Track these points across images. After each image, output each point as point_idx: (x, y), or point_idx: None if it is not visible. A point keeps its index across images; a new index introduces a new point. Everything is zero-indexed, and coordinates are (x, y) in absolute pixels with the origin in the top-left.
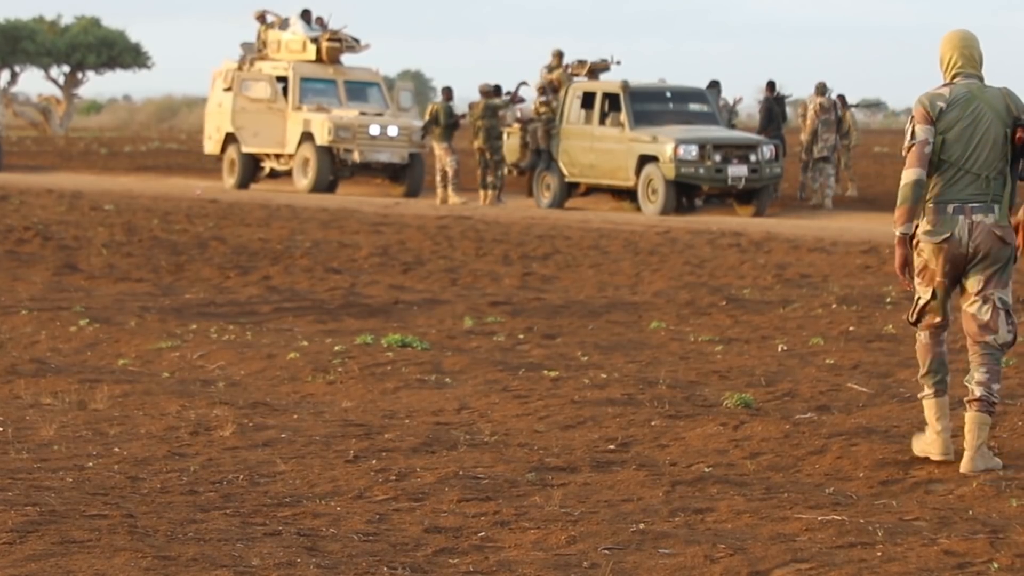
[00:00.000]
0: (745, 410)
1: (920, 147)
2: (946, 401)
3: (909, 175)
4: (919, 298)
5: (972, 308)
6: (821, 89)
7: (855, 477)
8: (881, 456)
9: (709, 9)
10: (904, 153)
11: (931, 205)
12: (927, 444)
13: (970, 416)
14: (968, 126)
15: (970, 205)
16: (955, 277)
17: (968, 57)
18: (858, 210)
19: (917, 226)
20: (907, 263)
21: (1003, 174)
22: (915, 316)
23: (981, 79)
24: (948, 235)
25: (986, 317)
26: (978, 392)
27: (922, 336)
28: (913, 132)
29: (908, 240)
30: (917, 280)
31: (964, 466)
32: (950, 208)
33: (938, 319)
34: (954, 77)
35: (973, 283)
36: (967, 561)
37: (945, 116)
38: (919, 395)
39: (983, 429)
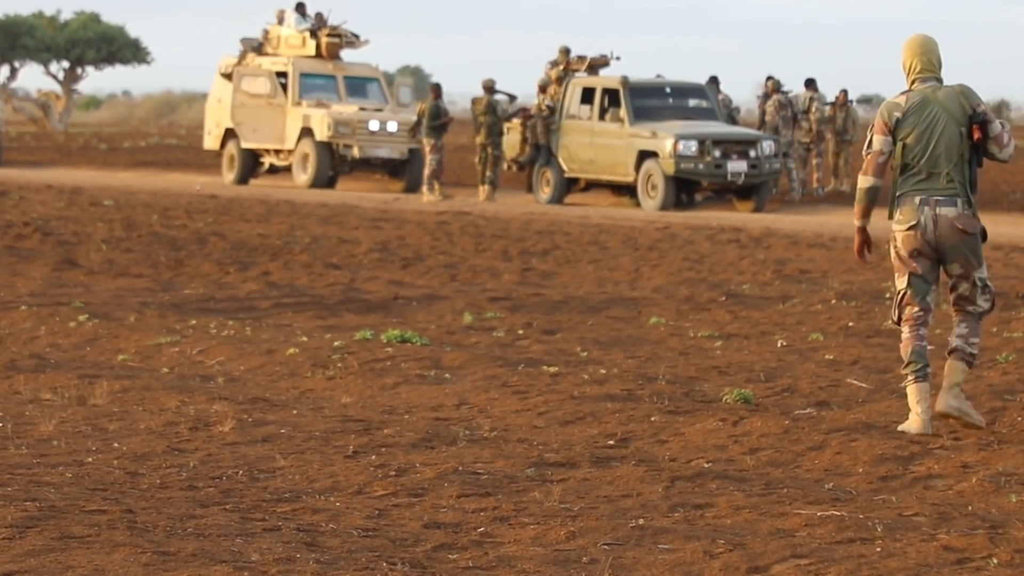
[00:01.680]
0: (744, 406)
1: (875, 156)
2: (927, 387)
3: (864, 181)
4: (898, 291)
5: (955, 288)
6: (777, 86)
7: (854, 473)
8: (880, 452)
9: (708, 6)
10: (864, 156)
11: (901, 199)
12: (909, 423)
13: (948, 363)
14: (925, 130)
15: (935, 198)
16: (927, 262)
17: (927, 62)
18: None
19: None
20: (864, 245)
21: (962, 169)
22: (896, 314)
23: (939, 80)
24: (915, 223)
25: (967, 294)
26: (955, 343)
27: (904, 332)
28: (871, 141)
29: (864, 230)
30: (896, 275)
31: (938, 404)
32: (917, 199)
33: (917, 309)
34: (913, 82)
35: (952, 269)
36: (966, 557)
37: (903, 124)
38: (902, 384)
39: (956, 373)
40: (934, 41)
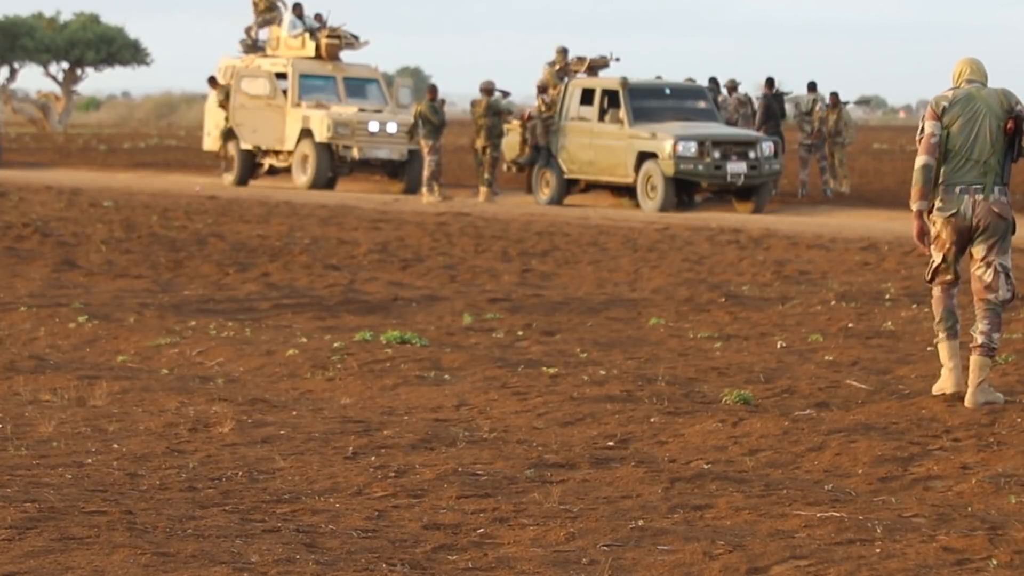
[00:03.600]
0: (744, 407)
1: (928, 139)
2: (956, 344)
3: (920, 161)
4: (933, 261)
5: (978, 272)
6: (733, 85)
7: (854, 474)
8: (880, 453)
9: (707, 8)
10: (917, 143)
11: (943, 187)
12: (942, 383)
13: (973, 359)
14: (968, 121)
15: (974, 187)
16: (962, 245)
17: (974, 70)
18: (857, 207)
19: (933, 204)
20: (924, 233)
21: (999, 159)
22: (930, 276)
23: (983, 84)
24: (955, 211)
25: (989, 279)
26: (980, 340)
27: (936, 291)
28: (923, 127)
29: (922, 214)
30: (932, 246)
31: (968, 400)
32: (957, 189)
33: (949, 277)
34: (960, 84)
35: (978, 251)
36: (966, 558)
37: (948, 113)
38: (934, 340)
39: (984, 369)
40: (981, 62)
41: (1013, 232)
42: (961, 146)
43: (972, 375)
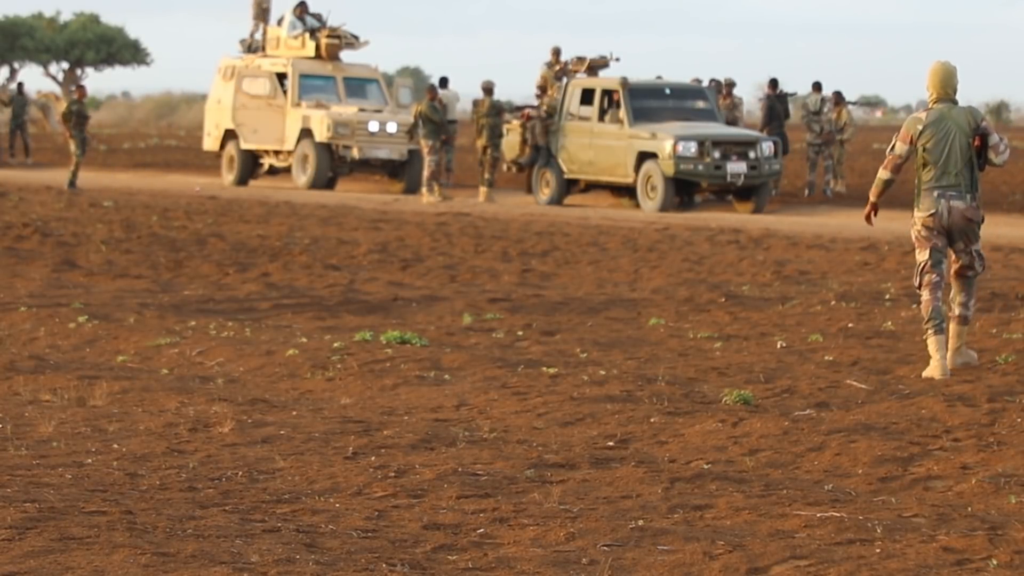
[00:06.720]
0: (744, 407)
1: (895, 158)
2: (944, 339)
3: (883, 175)
4: (920, 263)
5: (960, 258)
6: (726, 85)
7: (854, 474)
8: (880, 453)
9: (707, 7)
10: (887, 155)
11: (923, 192)
12: (930, 370)
13: (953, 328)
14: (941, 139)
15: (949, 192)
16: (943, 242)
17: (945, 88)
18: (857, 207)
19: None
20: (873, 210)
21: (968, 170)
22: (918, 279)
23: (955, 102)
24: (934, 211)
25: (968, 262)
26: (958, 311)
27: (924, 294)
28: (894, 146)
29: (876, 205)
30: (917, 250)
31: (950, 362)
32: (935, 193)
33: (935, 275)
34: (935, 102)
35: (958, 246)
36: (966, 558)
37: (923, 134)
38: (923, 336)
39: (961, 336)
40: (954, 70)
41: (982, 223)
42: (935, 160)
43: (952, 340)
